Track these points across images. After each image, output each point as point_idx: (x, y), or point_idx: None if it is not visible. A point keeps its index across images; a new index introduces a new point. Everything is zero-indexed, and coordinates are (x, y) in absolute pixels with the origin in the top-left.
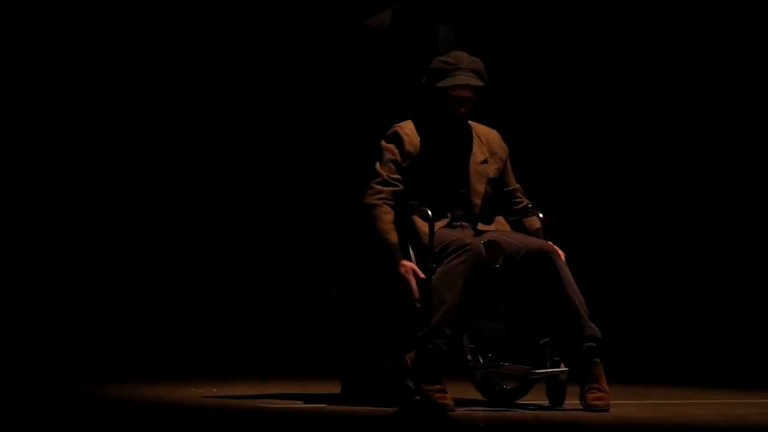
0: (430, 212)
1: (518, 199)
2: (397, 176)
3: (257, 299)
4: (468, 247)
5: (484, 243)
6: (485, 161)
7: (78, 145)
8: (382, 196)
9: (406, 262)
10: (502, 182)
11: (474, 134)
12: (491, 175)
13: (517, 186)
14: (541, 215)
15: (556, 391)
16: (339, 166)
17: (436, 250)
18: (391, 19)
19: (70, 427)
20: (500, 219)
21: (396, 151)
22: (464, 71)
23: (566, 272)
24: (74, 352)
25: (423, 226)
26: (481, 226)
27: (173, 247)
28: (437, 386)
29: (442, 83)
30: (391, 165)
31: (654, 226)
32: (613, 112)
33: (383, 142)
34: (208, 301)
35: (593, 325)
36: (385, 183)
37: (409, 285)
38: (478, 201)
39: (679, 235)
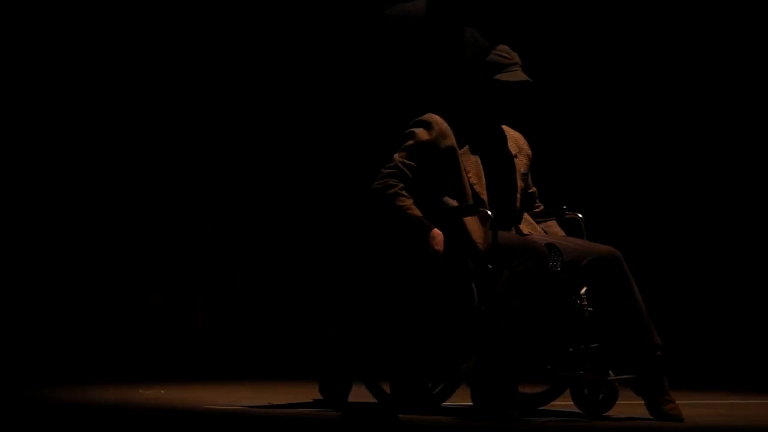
0: (490, 213)
1: (537, 203)
2: (411, 163)
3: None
4: (536, 251)
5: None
6: (516, 156)
7: (61, 151)
8: (392, 181)
9: (437, 231)
10: (527, 183)
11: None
12: (523, 170)
13: (534, 189)
14: (580, 215)
15: (600, 399)
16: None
17: (500, 254)
18: (426, 8)
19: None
20: (528, 218)
21: (424, 133)
22: (519, 67)
23: (632, 280)
24: (31, 355)
25: (478, 229)
26: (521, 226)
27: (143, 250)
28: (509, 396)
29: (504, 77)
30: (411, 150)
31: (656, 229)
32: (646, 116)
33: (409, 129)
34: (203, 302)
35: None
36: (396, 169)
37: (437, 252)
38: (518, 195)
39: (684, 237)
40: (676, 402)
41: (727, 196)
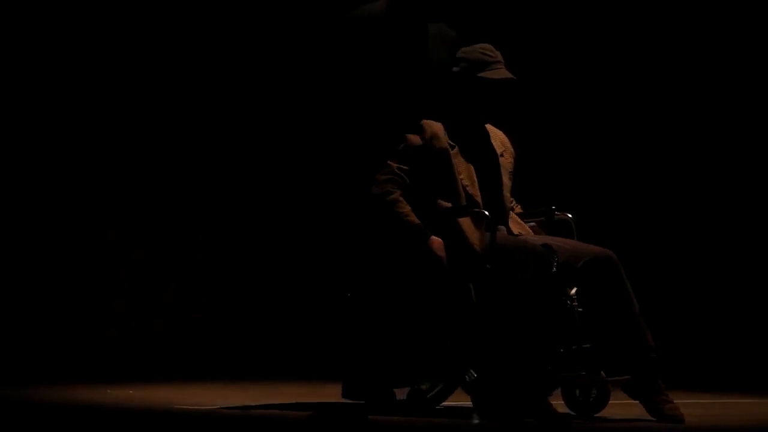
0: (487, 213)
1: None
2: (406, 167)
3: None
4: (537, 254)
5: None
6: (502, 154)
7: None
8: (390, 187)
9: (436, 238)
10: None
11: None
12: (510, 168)
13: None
14: (570, 215)
15: (592, 400)
16: (339, 164)
17: (498, 255)
18: (385, 9)
19: None
20: (516, 217)
21: (416, 137)
22: (503, 65)
23: (627, 281)
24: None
25: (473, 230)
26: (510, 226)
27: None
28: (548, 398)
29: (488, 74)
30: (404, 154)
31: (648, 229)
32: (637, 115)
33: (401, 133)
34: (171, 301)
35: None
36: (394, 175)
37: (440, 259)
38: (508, 194)
39: (677, 237)
40: (675, 402)
41: (718, 198)
